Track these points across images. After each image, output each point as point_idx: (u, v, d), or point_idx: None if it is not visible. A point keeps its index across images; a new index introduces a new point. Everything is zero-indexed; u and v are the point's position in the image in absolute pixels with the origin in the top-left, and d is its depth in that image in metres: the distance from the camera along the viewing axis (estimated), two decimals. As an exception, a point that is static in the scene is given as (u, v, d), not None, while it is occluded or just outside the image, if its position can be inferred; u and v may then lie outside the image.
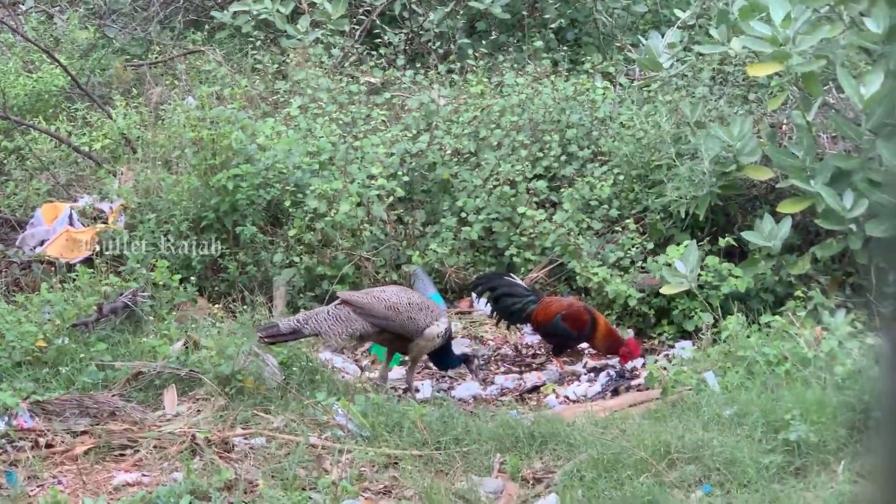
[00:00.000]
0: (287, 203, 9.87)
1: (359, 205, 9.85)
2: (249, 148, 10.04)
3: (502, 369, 9.24)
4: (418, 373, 8.85)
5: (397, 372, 8.88)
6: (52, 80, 12.48)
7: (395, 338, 8.11)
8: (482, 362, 9.08)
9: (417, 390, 8.44)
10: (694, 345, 8.77)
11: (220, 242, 9.88)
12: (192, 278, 9.34)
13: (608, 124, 10.73)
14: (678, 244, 9.39)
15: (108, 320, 8.27)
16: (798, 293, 8.73)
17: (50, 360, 7.80)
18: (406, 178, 10.32)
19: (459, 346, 9.04)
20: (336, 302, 8.09)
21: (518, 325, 9.43)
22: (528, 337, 9.65)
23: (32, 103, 12.34)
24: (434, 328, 8.11)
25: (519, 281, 9.28)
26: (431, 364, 8.72)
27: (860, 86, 8.69)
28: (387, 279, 9.77)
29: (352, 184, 9.93)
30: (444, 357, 8.44)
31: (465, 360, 8.58)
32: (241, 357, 7.44)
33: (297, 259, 9.74)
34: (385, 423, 7.11)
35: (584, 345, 9.13)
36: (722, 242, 9.32)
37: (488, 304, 9.25)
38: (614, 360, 8.98)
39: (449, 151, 10.62)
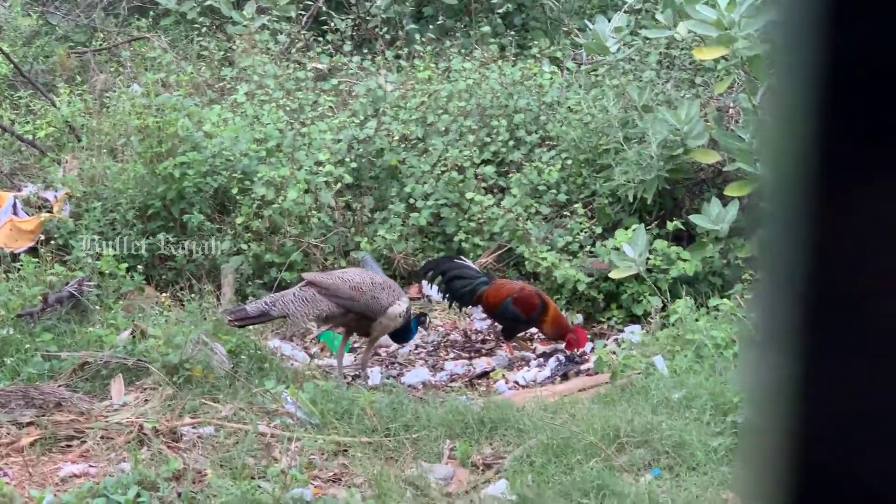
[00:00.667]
0: (234, 190, 9.78)
1: (306, 192, 9.74)
2: (196, 135, 9.94)
3: (451, 355, 9.18)
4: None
5: (346, 359, 8.84)
6: (-5, 68, 12.34)
7: (358, 318, 8.09)
8: (431, 320, 9.15)
9: (367, 377, 8.37)
10: (643, 329, 8.78)
11: (167, 231, 9.81)
12: (139, 267, 9.27)
13: (556, 109, 10.65)
14: (626, 228, 9.35)
15: (54, 310, 8.15)
16: (745, 276, 8.72)
17: (-5, 350, 7.71)
18: (354, 165, 10.19)
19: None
20: (301, 284, 8.12)
21: (468, 309, 9.39)
22: (478, 322, 9.62)
23: (-26, 92, 12.17)
24: (397, 307, 8.13)
25: (470, 263, 9.19)
26: (393, 342, 8.77)
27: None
28: (335, 266, 9.66)
29: (299, 171, 9.81)
30: (404, 333, 8.45)
31: (420, 322, 8.61)
32: (189, 346, 7.39)
33: (244, 247, 9.65)
34: (334, 411, 7.04)
35: (534, 330, 9.11)
36: (670, 226, 9.36)
37: (439, 289, 9.21)
38: (563, 345, 8.94)
39: (396, 137, 10.52)
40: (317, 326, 8.55)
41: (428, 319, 8.86)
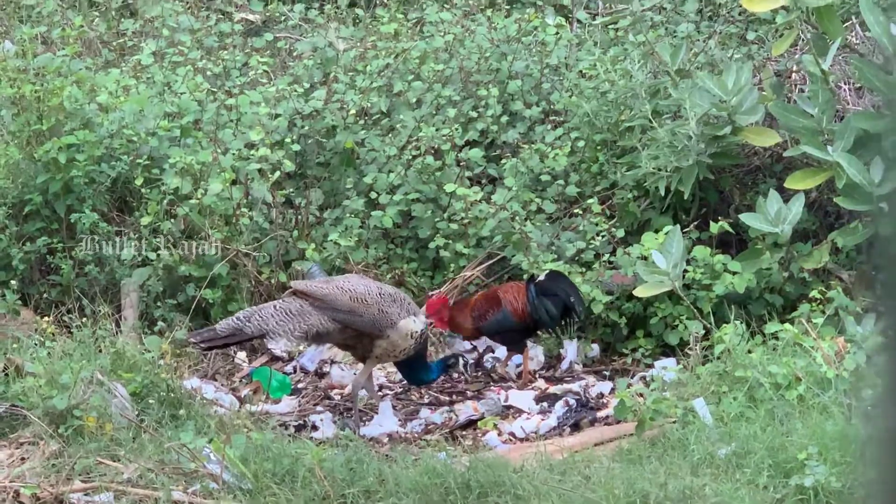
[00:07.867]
0: (139, 181, 9.81)
1: (234, 183, 9.81)
2: (88, 108, 9.96)
3: (427, 398, 9.33)
4: (314, 404, 9.01)
5: (286, 404, 9.01)
6: None
7: (358, 336, 8.60)
8: (468, 360, 9.34)
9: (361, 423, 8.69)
10: (679, 363, 8.87)
11: (50, 235, 9.78)
12: (13, 282, 9.28)
13: (563, 74, 10.71)
14: (657, 231, 9.40)
15: None
16: (814, 293, 8.78)
17: None
18: (296, 148, 10.28)
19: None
20: (286, 294, 8.63)
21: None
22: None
23: None
24: (410, 323, 8.59)
25: None
26: (402, 376, 9.13)
27: (891, 22, 8.68)
28: (272, 280, 9.81)
29: (224, 155, 9.88)
30: (421, 370, 8.87)
31: (448, 364, 9.03)
32: (79, 387, 7.37)
33: (152, 256, 9.72)
34: (272, 472, 7.14)
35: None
36: (714, 228, 9.39)
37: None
38: (574, 386, 9.14)
39: (353, 111, 10.49)
40: (305, 345, 9.05)
41: (462, 362, 9.14)
